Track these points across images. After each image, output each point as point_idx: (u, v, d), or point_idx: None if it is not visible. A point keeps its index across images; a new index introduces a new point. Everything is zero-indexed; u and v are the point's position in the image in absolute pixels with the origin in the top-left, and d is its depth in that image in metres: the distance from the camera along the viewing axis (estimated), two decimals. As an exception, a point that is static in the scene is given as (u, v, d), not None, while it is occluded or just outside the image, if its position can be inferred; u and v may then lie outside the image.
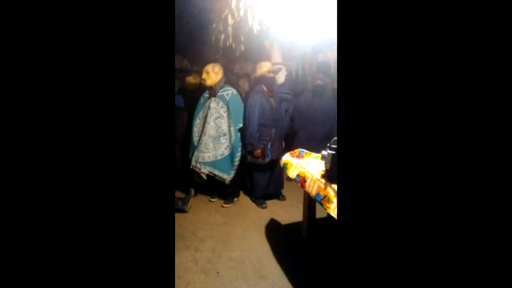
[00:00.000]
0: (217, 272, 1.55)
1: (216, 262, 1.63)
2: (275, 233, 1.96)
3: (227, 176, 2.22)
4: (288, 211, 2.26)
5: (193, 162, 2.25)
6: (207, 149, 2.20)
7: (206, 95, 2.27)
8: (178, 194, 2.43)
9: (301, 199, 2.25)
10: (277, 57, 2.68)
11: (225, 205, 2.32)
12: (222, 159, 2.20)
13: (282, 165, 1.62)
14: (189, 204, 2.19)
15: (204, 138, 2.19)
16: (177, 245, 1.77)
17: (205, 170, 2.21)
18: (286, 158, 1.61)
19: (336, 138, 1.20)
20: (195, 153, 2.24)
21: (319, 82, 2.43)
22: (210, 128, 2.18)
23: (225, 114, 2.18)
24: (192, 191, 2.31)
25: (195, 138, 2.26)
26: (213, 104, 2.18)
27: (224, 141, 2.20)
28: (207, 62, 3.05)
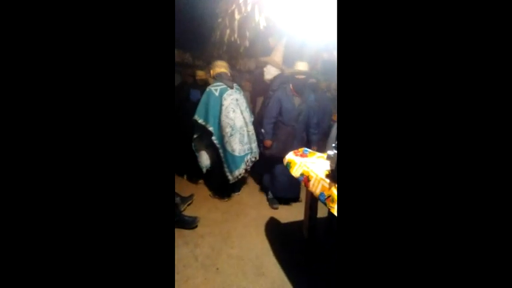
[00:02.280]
0: (217, 268, 1.54)
1: (216, 258, 1.63)
2: (275, 231, 1.96)
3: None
4: (287, 210, 2.26)
5: (239, 159, 2.14)
6: (248, 140, 2.19)
7: (222, 86, 2.13)
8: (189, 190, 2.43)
9: (301, 198, 2.25)
10: (279, 55, 2.67)
11: (220, 198, 2.36)
12: (245, 155, 2.21)
13: (285, 163, 1.61)
14: (185, 206, 2.17)
15: (242, 129, 2.15)
16: (177, 241, 1.77)
17: (251, 162, 2.22)
18: (290, 156, 1.60)
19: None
20: (239, 147, 2.13)
21: (312, 80, 2.42)
22: (246, 117, 2.17)
23: (248, 106, 2.24)
24: (193, 196, 2.31)
25: (232, 131, 2.11)
26: (239, 95, 2.18)
27: (251, 130, 2.23)
28: (211, 57, 3.04)
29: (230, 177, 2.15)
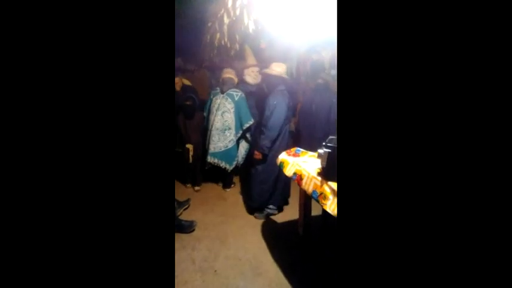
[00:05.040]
0: (215, 271, 1.56)
1: (213, 261, 1.64)
2: (271, 231, 1.98)
3: (229, 167, 2.48)
4: (282, 209, 2.29)
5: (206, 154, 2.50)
6: (213, 140, 2.43)
7: (217, 90, 2.48)
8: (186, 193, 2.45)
9: (295, 198, 2.28)
10: (251, 59, 2.73)
11: (226, 189, 2.66)
12: (226, 151, 2.44)
13: (278, 163, 1.64)
14: (181, 210, 2.18)
15: (212, 130, 2.42)
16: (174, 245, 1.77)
17: (211, 160, 2.46)
18: (283, 156, 1.63)
19: (331, 137, 1.23)
20: (207, 145, 2.49)
21: (320, 81, 2.44)
22: (218, 121, 2.40)
23: (232, 110, 2.40)
24: (190, 200, 2.34)
25: (207, 130, 2.50)
26: (222, 100, 2.41)
27: (228, 135, 2.43)
28: (202, 61, 3.05)
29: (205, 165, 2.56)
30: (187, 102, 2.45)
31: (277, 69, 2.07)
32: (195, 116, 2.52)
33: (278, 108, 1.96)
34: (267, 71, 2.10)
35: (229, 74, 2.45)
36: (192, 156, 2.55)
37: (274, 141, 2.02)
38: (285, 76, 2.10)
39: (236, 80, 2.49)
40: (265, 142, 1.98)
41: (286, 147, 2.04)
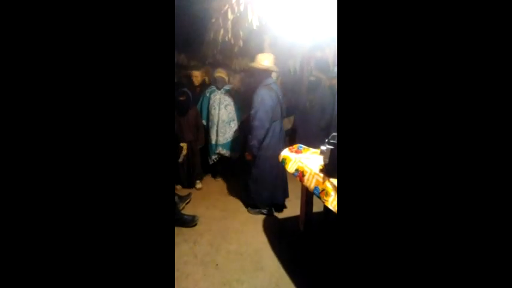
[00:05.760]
0: (216, 265, 1.58)
1: (215, 255, 1.66)
2: (272, 226, 1.99)
3: (234, 156, 2.70)
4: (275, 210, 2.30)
5: (215, 146, 2.65)
6: (222, 132, 2.62)
7: (213, 88, 2.66)
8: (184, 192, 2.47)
9: (297, 194, 2.29)
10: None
11: (225, 181, 2.78)
12: (232, 141, 2.66)
13: (280, 160, 1.65)
14: (183, 205, 2.21)
15: (219, 123, 2.60)
16: (176, 239, 1.79)
17: (221, 151, 2.64)
18: (285, 153, 1.63)
19: (334, 134, 1.23)
20: (215, 138, 2.64)
21: (312, 78, 2.45)
22: (223, 114, 2.59)
23: (232, 103, 2.63)
24: (191, 195, 2.36)
25: (211, 124, 2.66)
26: (221, 94, 2.62)
27: (233, 126, 2.65)
28: (205, 57, 3.05)
29: (210, 160, 2.72)
30: (181, 98, 2.36)
31: (264, 62, 1.92)
32: (189, 112, 2.45)
33: (263, 105, 1.84)
34: (254, 64, 1.95)
35: (220, 73, 2.63)
36: (184, 155, 2.47)
37: (262, 141, 1.93)
38: (273, 69, 1.96)
39: (227, 78, 2.70)
40: (253, 142, 1.91)
41: (279, 145, 1.99)
